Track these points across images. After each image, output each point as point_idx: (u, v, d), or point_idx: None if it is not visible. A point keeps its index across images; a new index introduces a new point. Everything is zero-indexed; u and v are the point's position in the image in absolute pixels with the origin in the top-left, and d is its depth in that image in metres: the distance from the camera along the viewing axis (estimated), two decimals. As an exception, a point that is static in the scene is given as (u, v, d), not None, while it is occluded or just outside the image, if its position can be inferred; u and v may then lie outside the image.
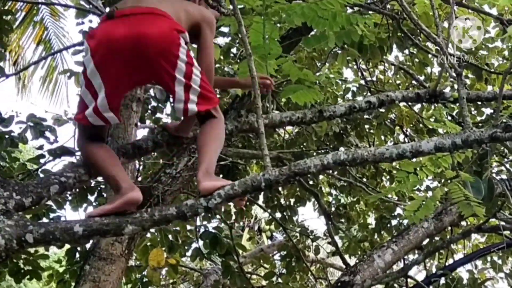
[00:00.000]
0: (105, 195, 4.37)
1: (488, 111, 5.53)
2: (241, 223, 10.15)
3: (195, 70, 2.29)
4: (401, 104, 5.28)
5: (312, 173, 2.14)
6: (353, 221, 6.38)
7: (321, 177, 6.30)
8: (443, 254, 5.75)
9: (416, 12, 4.05)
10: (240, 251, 5.32)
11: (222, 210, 5.81)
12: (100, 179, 3.76)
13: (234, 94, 4.29)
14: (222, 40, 5.30)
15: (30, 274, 4.35)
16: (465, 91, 2.65)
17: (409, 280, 4.56)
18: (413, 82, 5.75)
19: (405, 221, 5.66)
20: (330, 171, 5.50)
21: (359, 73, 5.95)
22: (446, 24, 3.96)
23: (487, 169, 3.08)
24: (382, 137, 6.00)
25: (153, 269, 4.10)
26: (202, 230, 4.97)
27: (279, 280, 5.62)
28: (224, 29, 4.68)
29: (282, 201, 6.17)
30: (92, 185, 4.44)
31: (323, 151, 5.49)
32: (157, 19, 2.26)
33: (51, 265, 7.17)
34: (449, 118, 5.15)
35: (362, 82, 5.77)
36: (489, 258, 5.67)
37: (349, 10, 4.04)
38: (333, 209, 6.45)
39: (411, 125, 5.91)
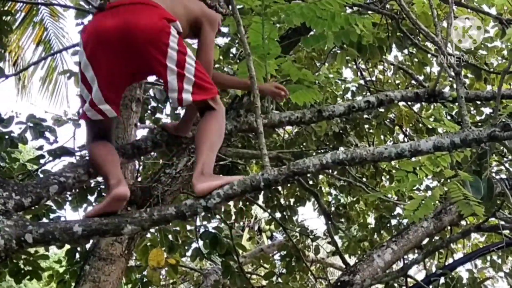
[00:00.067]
0: (104, 195, 4.37)
1: (487, 110, 5.54)
2: (241, 223, 10.15)
3: (189, 59, 2.26)
4: (401, 103, 5.28)
5: (311, 173, 2.14)
6: (353, 220, 6.38)
7: (320, 177, 6.30)
8: (443, 254, 5.75)
9: (415, 12, 4.05)
10: (240, 251, 5.32)
11: (222, 210, 5.81)
12: (100, 179, 3.76)
13: (233, 94, 4.30)
14: (221, 40, 5.31)
15: (30, 274, 4.35)
16: (464, 90, 2.65)
17: (408, 279, 4.55)
18: (413, 81, 5.76)
19: (405, 221, 5.66)
20: (330, 171, 5.50)
21: (359, 73, 5.96)
22: (445, 24, 3.97)
23: (487, 168, 3.08)
24: (382, 137, 6.00)
25: (153, 269, 4.11)
26: (202, 230, 4.97)
27: (279, 280, 5.63)
28: (224, 29, 4.69)
29: (282, 201, 6.17)
30: (92, 185, 4.44)
31: (322, 151, 5.49)
32: (146, 9, 2.26)
33: (51, 266, 7.17)
34: (449, 117, 5.16)
35: (362, 82, 5.78)
36: (488, 258, 5.66)
37: (348, 10, 4.05)
38: (332, 208, 6.45)
39: (411, 125, 5.91)
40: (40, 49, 7.15)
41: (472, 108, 5.57)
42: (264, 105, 4.10)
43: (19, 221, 2.00)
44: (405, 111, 5.71)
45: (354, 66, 5.97)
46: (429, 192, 5.21)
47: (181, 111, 4.84)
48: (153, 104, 5.36)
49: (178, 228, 4.99)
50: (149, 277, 4.36)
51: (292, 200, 6.27)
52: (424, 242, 4.78)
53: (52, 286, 5.19)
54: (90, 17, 4.56)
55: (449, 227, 4.87)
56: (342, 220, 6.41)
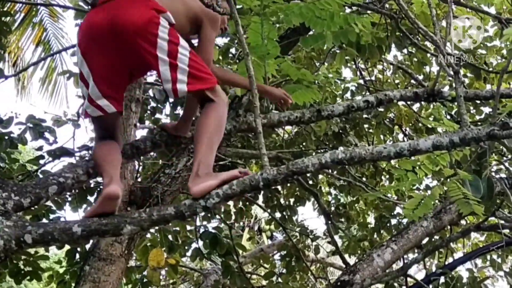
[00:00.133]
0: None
1: (487, 110, 5.54)
2: (241, 223, 10.15)
3: (181, 49, 2.22)
4: (400, 103, 5.29)
5: (310, 172, 2.14)
6: (353, 220, 6.38)
7: (320, 176, 6.30)
8: (443, 253, 5.75)
9: (414, 11, 4.05)
10: (240, 251, 5.32)
11: (222, 210, 5.82)
12: (100, 179, 3.76)
13: (233, 94, 4.30)
14: (220, 41, 5.31)
15: (30, 275, 4.36)
16: (463, 90, 2.65)
17: (408, 279, 4.56)
18: (412, 81, 5.76)
19: (405, 220, 5.66)
20: (329, 171, 5.51)
21: (358, 73, 5.96)
22: (444, 23, 3.96)
23: (486, 168, 3.08)
24: (381, 137, 6.00)
25: (153, 269, 4.11)
26: (202, 230, 4.97)
27: (279, 279, 5.63)
28: (223, 29, 4.68)
29: (282, 200, 6.17)
30: (92, 185, 4.44)
31: (322, 150, 5.49)
32: (135, 1, 2.25)
33: (51, 266, 7.16)
34: (448, 117, 5.16)
35: (361, 81, 5.78)
36: (488, 257, 5.66)
37: (347, 10, 4.05)
38: (332, 208, 6.45)
39: (410, 124, 5.91)
40: (40, 49, 7.15)
41: (471, 108, 5.57)
42: (263, 105, 4.10)
43: (18, 222, 2.00)
44: (404, 111, 5.71)
45: (354, 66, 5.98)
46: (429, 192, 5.21)
47: (180, 111, 4.85)
48: (153, 104, 5.37)
49: (178, 228, 4.99)
50: (149, 277, 4.36)
51: (292, 200, 6.27)
52: (424, 241, 4.78)
53: (52, 287, 5.19)
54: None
55: (449, 227, 4.87)
56: (342, 219, 6.41)
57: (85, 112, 2.34)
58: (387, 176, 6.11)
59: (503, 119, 2.18)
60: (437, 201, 4.47)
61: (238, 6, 2.84)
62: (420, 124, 5.85)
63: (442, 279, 4.48)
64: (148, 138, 2.60)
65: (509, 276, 5.07)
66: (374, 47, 4.31)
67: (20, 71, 7.25)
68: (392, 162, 5.18)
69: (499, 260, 5.62)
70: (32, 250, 4.31)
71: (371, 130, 6.04)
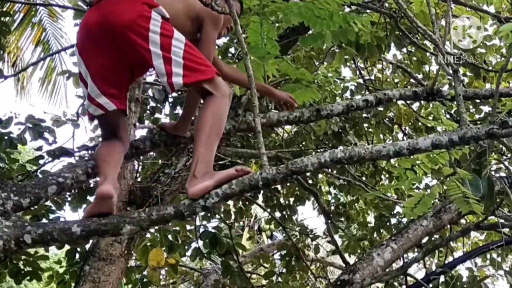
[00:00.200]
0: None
1: (486, 109, 5.55)
2: (241, 223, 10.14)
3: (175, 42, 2.18)
4: (400, 102, 5.29)
5: (309, 172, 2.14)
6: (353, 219, 6.38)
7: (320, 176, 6.30)
8: (443, 252, 5.75)
9: (413, 10, 4.05)
10: (240, 251, 5.32)
11: (222, 209, 5.81)
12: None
13: (232, 93, 4.29)
14: (219, 40, 5.30)
15: (30, 275, 4.36)
16: (462, 88, 2.66)
17: (408, 278, 4.56)
18: (411, 80, 5.76)
19: (404, 220, 5.66)
20: (329, 170, 5.50)
21: (357, 72, 5.96)
22: (443, 22, 3.97)
23: (486, 167, 3.08)
24: (381, 136, 6.01)
25: (153, 269, 4.11)
26: (201, 230, 4.97)
27: (279, 279, 5.63)
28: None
29: (282, 200, 6.17)
30: (92, 185, 4.44)
31: (321, 150, 5.49)
32: None
33: (51, 266, 7.16)
34: (447, 116, 5.16)
35: (360, 80, 5.78)
36: (488, 256, 5.67)
37: (347, 9, 4.05)
38: (332, 208, 6.45)
39: (410, 124, 5.92)
40: (39, 49, 7.15)
41: (471, 107, 5.57)
42: (263, 105, 4.10)
43: (17, 222, 2.00)
44: (404, 110, 5.71)
45: (353, 65, 5.98)
46: (429, 191, 5.21)
47: (180, 111, 4.84)
48: (152, 104, 5.36)
49: (177, 228, 4.99)
50: (149, 277, 4.36)
51: (291, 200, 6.28)
52: (424, 240, 4.78)
53: (52, 287, 5.19)
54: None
55: (448, 226, 4.86)
56: (342, 219, 6.42)
57: (88, 112, 2.35)
58: (387, 175, 6.11)
59: (502, 118, 2.17)
60: (436, 200, 4.47)
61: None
62: (419, 123, 5.85)
63: (442, 278, 4.48)
64: (147, 138, 2.60)
65: (509, 275, 5.07)
66: (374, 46, 4.31)
67: (20, 71, 7.25)
68: (392, 161, 5.17)
69: (499, 259, 5.62)
70: (32, 250, 4.30)
71: (370, 129, 6.05)
